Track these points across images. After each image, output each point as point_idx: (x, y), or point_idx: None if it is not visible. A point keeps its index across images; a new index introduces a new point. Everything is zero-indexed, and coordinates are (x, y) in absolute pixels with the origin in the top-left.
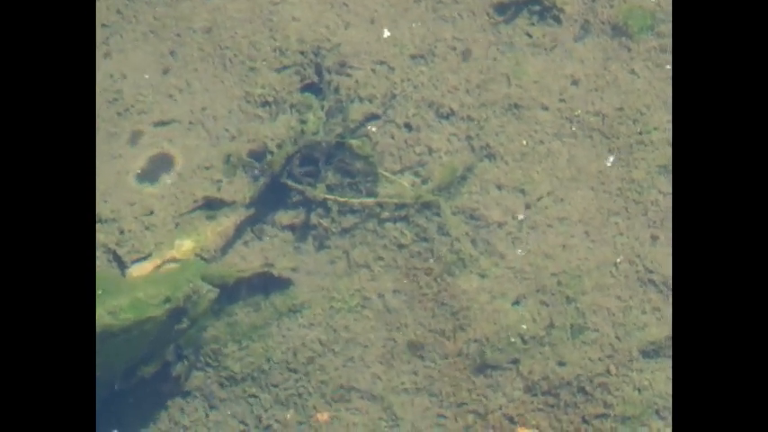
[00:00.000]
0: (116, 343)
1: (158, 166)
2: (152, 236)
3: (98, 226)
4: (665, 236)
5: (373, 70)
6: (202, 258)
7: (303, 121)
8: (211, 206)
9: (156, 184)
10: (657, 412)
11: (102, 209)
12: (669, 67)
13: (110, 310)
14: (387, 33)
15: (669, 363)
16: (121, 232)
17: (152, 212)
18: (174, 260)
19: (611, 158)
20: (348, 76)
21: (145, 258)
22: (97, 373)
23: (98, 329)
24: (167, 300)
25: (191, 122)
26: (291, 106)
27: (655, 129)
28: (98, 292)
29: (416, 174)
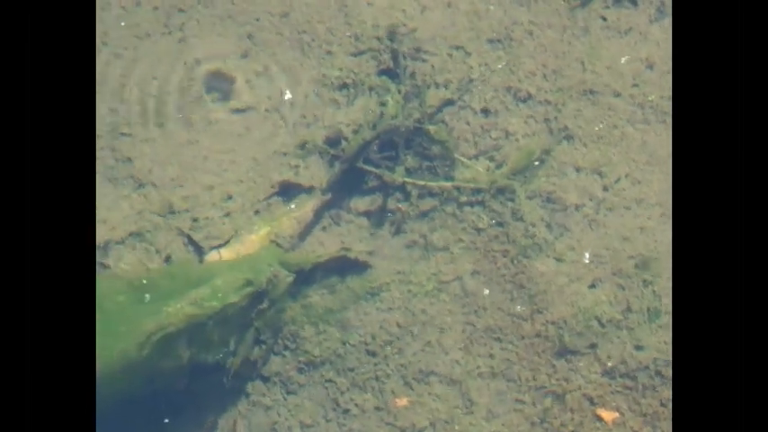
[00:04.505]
0: (204, 332)
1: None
2: (229, 222)
3: (173, 214)
4: None
5: (450, 55)
6: (278, 245)
7: (383, 104)
8: (288, 192)
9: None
10: None
11: (176, 195)
12: None
13: (192, 301)
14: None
15: None
16: (196, 219)
17: (230, 197)
18: (251, 246)
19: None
20: (424, 61)
21: (223, 245)
22: (181, 365)
23: (182, 322)
24: (248, 284)
25: (267, 109)
26: (370, 89)
27: None
28: (176, 281)
29: (491, 158)
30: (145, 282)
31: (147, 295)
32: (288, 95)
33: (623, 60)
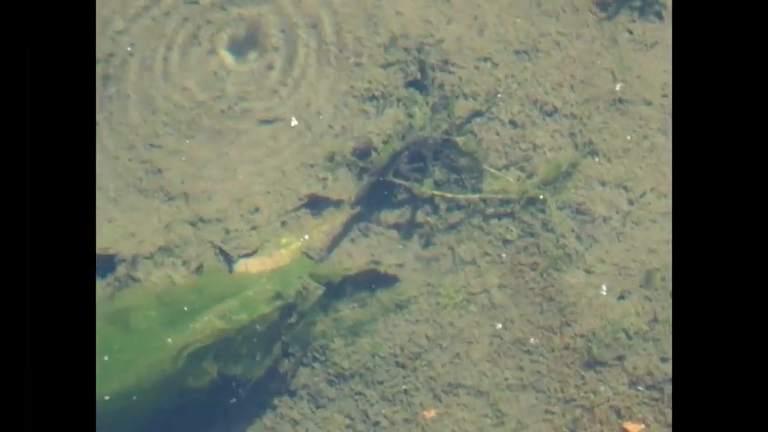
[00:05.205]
0: (233, 346)
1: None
2: (258, 234)
3: (204, 224)
4: None
5: (476, 67)
6: (308, 257)
7: (410, 116)
8: (317, 204)
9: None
10: None
11: (207, 207)
12: None
13: (221, 315)
14: (294, 122)
15: None
16: (227, 231)
17: (257, 210)
18: (280, 257)
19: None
20: (451, 72)
21: (251, 254)
22: (213, 380)
23: (212, 337)
24: (278, 296)
25: (295, 120)
26: (398, 100)
27: None
28: (205, 294)
29: (522, 169)
30: (186, 309)
31: (170, 340)
32: (294, 122)
33: (618, 87)
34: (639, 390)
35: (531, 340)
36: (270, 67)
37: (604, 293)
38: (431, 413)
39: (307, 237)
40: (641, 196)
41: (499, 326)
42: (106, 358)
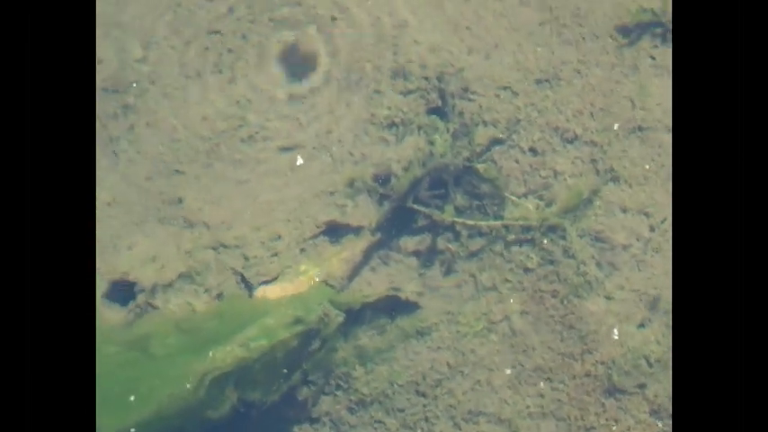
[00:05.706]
0: (252, 373)
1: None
2: (278, 261)
3: (225, 249)
4: None
5: (497, 95)
6: (328, 285)
7: (431, 143)
8: (337, 231)
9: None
10: None
11: (227, 235)
12: None
13: (241, 343)
14: (300, 161)
15: None
16: (247, 258)
17: (279, 237)
18: (300, 284)
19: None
20: (471, 100)
21: (272, 281)
22: (232, 405)
23: (231, 365)
24: (298, 322)
25: (314, 147)
26: (419, 128)
27: None
28: (225, 320)
29: (541, 197)
30: (211, 354)
31: (188, 385)
32: (300, 161)
33: (616, 127)
34: (661, 419)
35: (552, 367)
36: (291, 96)
37: (616, 337)
38: None
39: (318, 279)
40: (662, 222)
41: (509, 371)
42: (132, 398)
